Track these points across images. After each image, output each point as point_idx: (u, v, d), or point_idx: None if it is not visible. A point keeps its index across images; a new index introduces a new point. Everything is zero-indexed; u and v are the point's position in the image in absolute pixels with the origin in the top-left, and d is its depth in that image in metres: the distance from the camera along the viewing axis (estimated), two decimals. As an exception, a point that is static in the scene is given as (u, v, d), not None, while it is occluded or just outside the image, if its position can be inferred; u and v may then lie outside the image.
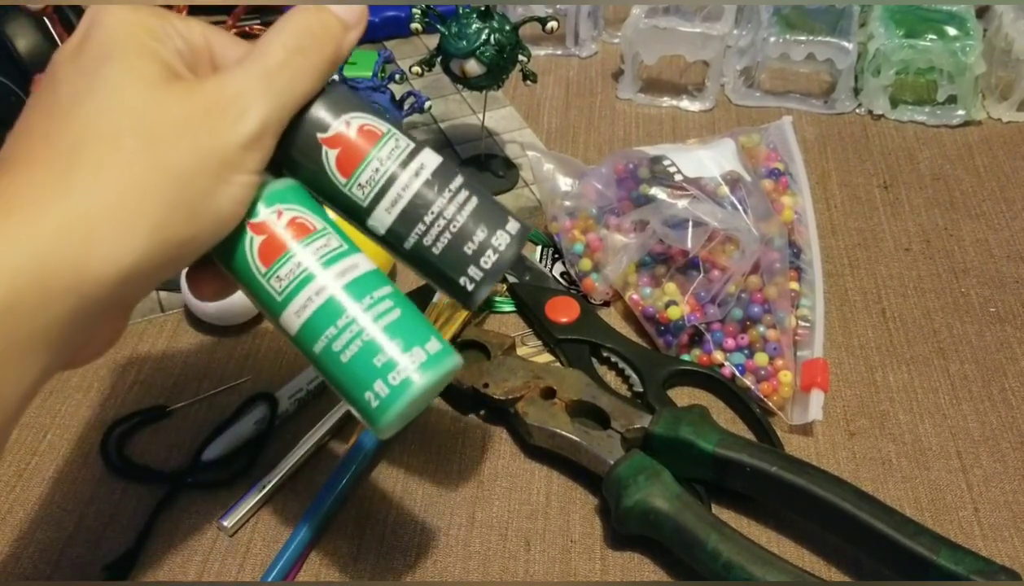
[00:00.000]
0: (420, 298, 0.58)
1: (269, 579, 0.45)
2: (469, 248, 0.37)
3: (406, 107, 0.62)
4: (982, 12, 0.79)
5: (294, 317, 0.36)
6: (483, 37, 0.60)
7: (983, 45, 0.73)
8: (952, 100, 0.75)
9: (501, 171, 0.69)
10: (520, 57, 0.62)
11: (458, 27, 0.60)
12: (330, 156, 0.37)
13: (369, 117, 0.37)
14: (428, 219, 0.37)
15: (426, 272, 0.38)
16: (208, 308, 0.56)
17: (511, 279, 0.60)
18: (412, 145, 0.37)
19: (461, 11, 0.61)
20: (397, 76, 0.62)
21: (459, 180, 0.38)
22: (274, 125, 0.35)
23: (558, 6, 0.80)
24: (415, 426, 0.53)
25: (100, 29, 0.34)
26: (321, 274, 0.35)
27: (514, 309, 0.60)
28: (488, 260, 0.37)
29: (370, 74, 0.60)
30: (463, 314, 0.54)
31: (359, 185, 0.37)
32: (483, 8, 0.60)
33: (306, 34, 0.36)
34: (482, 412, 0.53)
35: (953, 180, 0.70)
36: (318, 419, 0.52)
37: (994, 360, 0.57)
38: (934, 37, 0.74)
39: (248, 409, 0.52)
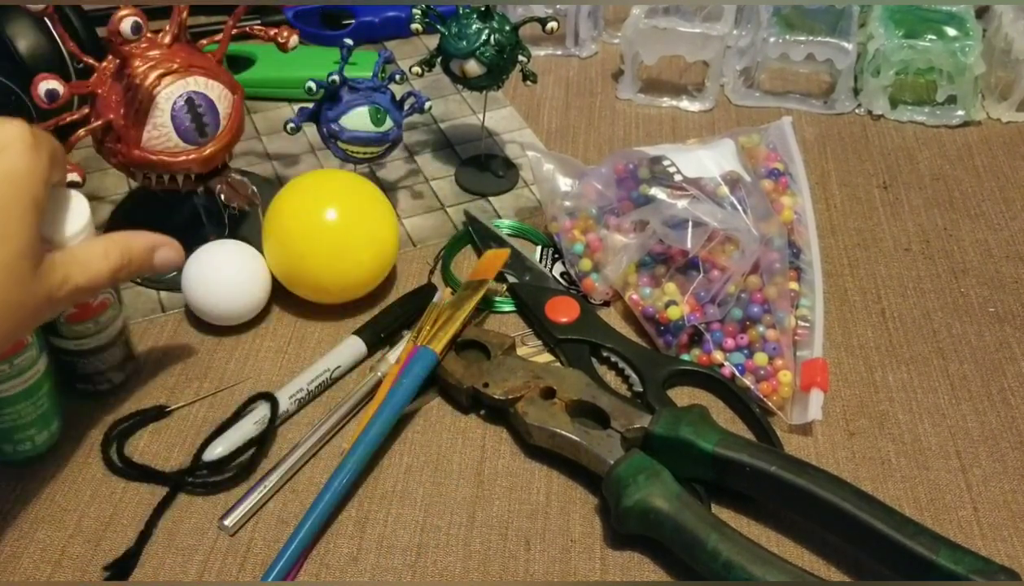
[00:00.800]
0: (420, 298, 0.59)
1: (269, 579, 0.45)
2: (91, 380, 0.53)
3: (406, 107, 0.62)
4: (982, 12, 0.79)
5: None
6: (483, 37, 0.60)
7: (983, 45, 0.73)
8: (952, 100, 0.75)
9: (501, 171, 0.70)
10: (520, 57, 0.62)
11: (458, 27, 0.60)
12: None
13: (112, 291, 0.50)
14: (89, 365, 0.51)
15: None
16: (208, 308, 0.56)
17: (511, 279, 0.60)
18: (123, 319, 0.52)
19: (461, 11, 0.61)
20: (397, 76, 0.62)
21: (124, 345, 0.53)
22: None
23: (558, 6, 0.80)
24: (415, 426, 0.53)
25: (7, 163, 0.39)
26: (12, 380, 0.46)
27: (514, 309, 0.60)
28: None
29: (370, 74, 0.60)
30: (463, 314, 0.54)
31: (74, 326, 0.49)
32: (483, 8, 0.60)
33: (125, 256, 0.45)
34: (482, 412, 0.53)
35: (953, 180, 0.70)
36: (318, 419, 0.52)
37: (993, 360, 0.57)
38: (934, 37, 0.74)
39: (248, 409, 0.52)
